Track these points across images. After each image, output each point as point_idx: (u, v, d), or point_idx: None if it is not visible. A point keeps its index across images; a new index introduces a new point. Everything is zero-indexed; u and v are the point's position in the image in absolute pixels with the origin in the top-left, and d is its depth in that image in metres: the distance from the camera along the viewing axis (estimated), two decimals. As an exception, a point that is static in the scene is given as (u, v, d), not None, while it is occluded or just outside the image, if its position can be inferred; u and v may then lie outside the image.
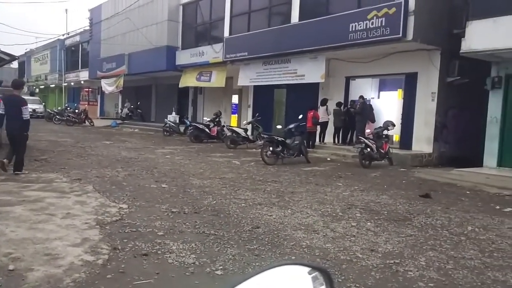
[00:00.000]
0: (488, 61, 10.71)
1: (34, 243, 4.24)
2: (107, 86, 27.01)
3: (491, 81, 10.77)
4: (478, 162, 11.00)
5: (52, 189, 6.92)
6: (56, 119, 26.33)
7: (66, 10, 38.35)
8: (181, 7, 21.36)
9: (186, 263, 3.88)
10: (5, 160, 7.80)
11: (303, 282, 1.03)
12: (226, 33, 17.94)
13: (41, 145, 13.41)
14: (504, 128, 10.80)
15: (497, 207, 6.85)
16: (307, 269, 1.06)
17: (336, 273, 3.78)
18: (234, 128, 15.99)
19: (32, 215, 5.24)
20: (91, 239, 4.44)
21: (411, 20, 11.11)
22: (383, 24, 11.54)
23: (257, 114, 16.45)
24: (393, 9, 11.31)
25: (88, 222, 5.04)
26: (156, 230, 4.82)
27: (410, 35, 11.15)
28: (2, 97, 8.49)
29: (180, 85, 21.18)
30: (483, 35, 9.64)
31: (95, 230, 4.75)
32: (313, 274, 1.05)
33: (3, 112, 7.78)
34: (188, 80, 20.73)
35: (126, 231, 4.76)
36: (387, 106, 14.32)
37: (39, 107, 32.79)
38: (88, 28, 30.41)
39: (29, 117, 7.96)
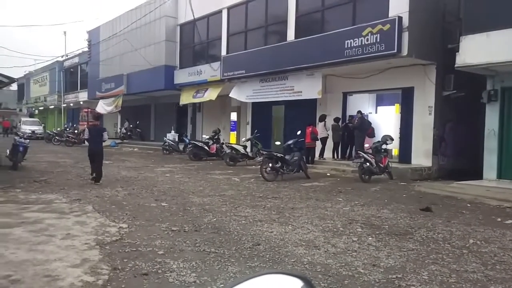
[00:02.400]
0: (483, 74, 10.82)
1: (34, 264, 4.21)
2: (106, 106, 27.10)
3: (487, 95, 10.86)
4: (478, 175, 11.01)
5: (52, 210, 6.90)
6: (56, 140, 26.38)
7: (65, 32, 38.45)
8: (178, 27, 21.64)
9: (186, 282, 3.85)
10: (93, 175, 10.07)
11: None
12: (224, 52, 18.14)
13: (41, 166, 13.41)
14: (502, 141, 10.84)
15: (498, 220, 6.83)
16: (289, 277, 1.07)
17: (338, 289, 3.76)
18: (233, 145, 16.01)
19: (32, 237, 5.21)
20: (91, 259, 4.42)
21: (406, 36, 11.26)
22: (378, 40, 11.69)
23: (256, 131, 16.50)
24: (388, 26, 11.48)
25: (88, 243, 5.02)
26: (156, 249, 4.80)
27: (405, 51, 11.29)
28: (88, 127, 11.56)
29: (181, 103, 21.29)
30: (477, 50, 9.77)
31: (95, 251, 4.72)
32: (295, 283, 1.05)
33: (87, 137, 10.35)
34: (186, 98, 20.87)
35: (126, 250, 4.74)
36: (385, 120, 14.38)
37: (38, 129, 32.90)
38: (86, 49, 30.69)
39: (107, 140, 10.62)
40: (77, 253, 4.60)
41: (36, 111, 44.63)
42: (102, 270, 4.11)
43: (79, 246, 4.89)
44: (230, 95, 17.89)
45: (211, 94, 18.97)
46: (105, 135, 10.33)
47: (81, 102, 33.96)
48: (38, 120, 37.48)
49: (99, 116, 11.87)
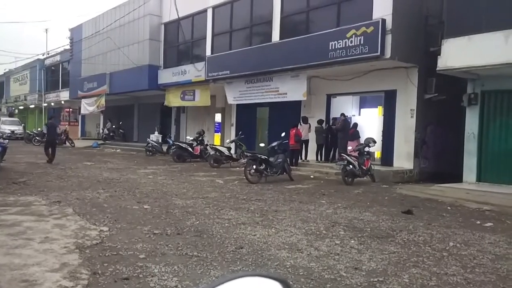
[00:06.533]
0: (464, 78, 11.01)
1: (11, 269, 4.11)
2: (87, 106, 26.74)
3: (467, 98, 11.06)
4: (458, 178, 11.19)
5: (30, 212, 6.75)
6: (36, 140, 25.82)
7: (46, 29, 37.73)
8: (162, 26, 21.46)
9: (168, 286, 3.81)
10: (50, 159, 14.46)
11: None
12: (208, 52, 18.06)
13: (20, 167, 13.12)
14: (482, 144, 11.04)
15: (478, 222, 6.94)
16: (267, 280, 1.04)
17: (321, 293, 3.76)
18: (218, 147, 15.94)
19: (9, 240, 5.09)
20: (70, 263, 4.33)
21: (389, 38, 11.40)
22: (362, 42, 11.80)
23: (240, 132, 16.47)
24: (371, 28, 11.59)
25: (67, 246, 4.92)
26: (138, 253, 4.73)
27: (388, 53, 11.42)
28: (47, 124, 16.38)
29: (165, 103, 21.13)
30: (458, 53, 9.93)
31: (74, 255, 4.63)
32: (274, 286, 1.03)
33: (46, 132, 15.27)
34: (173, 100, 20.73)
35: (106, 254, 4.66)
36: (368, 123, 14.51)
37: (18, 128, 32.16)
38: (68, 47, 30.19)
39: (60, 132, 16.74)
40: (56, 257, 4.51)
41: (16, 111, 43.72)
42: (82, 274, 4.03)
43: (58, 250, 4.79)
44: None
45: (202, 99, 18.88)
46: (58, 129, 15.95)
47: (63, 102, 33.37)
48: (18, 119, 36.69)
49: (53, 116, 18.72)
